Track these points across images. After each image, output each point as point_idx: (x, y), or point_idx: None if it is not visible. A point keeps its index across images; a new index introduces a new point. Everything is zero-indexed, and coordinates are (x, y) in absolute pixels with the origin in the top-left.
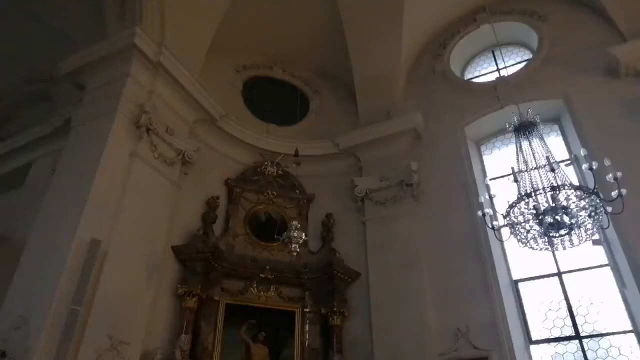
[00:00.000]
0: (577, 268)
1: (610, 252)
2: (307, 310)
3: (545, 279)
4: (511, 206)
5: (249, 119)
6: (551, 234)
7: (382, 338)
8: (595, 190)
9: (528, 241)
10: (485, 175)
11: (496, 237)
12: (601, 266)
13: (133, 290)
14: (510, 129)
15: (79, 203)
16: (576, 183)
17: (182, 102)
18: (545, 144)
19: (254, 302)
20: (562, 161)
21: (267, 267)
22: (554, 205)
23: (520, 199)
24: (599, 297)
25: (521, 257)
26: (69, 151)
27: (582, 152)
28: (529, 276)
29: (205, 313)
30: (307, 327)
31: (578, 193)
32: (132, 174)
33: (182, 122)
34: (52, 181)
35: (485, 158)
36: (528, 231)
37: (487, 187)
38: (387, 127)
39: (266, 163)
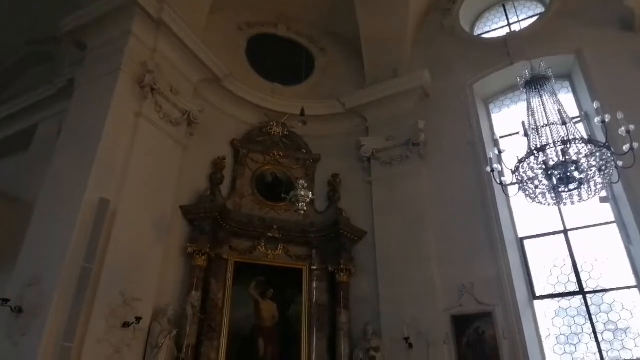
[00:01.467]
0: (583, 225)
1: (617, 209)
2: (314, 268)
3: (551, 236)
4: (520, 161)
5: (254, 78)
6: (560, 189)
7: (388, 294)
8: (606, 144)
9: (536, 196)
10: (493, 134)
11: (504, 192)
12: (607, 223)
13: (143, 248)
14: (521, 82)
15: (87, 163)
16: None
17: (185, 61)
18: (557, 97)
19: (262, 260)
20: (572, 119)
21: (275, 226)
22: (564, 159)
23: (530, 153)
24: (604, 253)
25: (527, 215)
26: (74, 112)
27: (595, 104)
28: (534, 234)
29: (214, 271)
30: (314, 284)
31: (589, 147)
32: (138, 134)
33: (186, 82)
34: (59, 143)
35: (494, 116)
36: (537, 186)
37: (497, 142)
38: (394, 86)
39: (272, 123)
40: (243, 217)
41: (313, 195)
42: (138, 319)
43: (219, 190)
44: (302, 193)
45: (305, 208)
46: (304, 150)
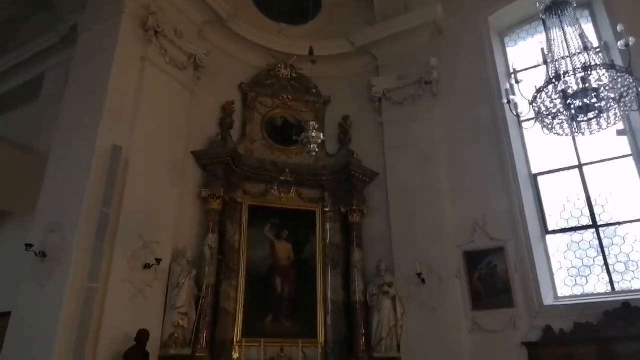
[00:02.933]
0: (599, 159)
1: (634, 142)
2: (327, 209)
3: (565, 171)
4: (539, 91)
5: (259, 19)
6: (579, 119)
7: (400, 233)
8: (629, 68)
9: (554, 127)
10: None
11: (520, 124)
12: (624, 157)
13: (158, 193)
14: (540, 8)
15: (96, 111)
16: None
17: (188, 2)
18: (579, 23)
19: (275, 203)
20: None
21: (287, 170)
22: (584, 86)
23: (549, 82)
24: (619, 187)
25: (541, 151)
26: (79, 59)
27: (619, 27)
28: (548, 169)
29: (229, 214)
30: (327, 225)
31: (610, 73)
32: (145, 79)
33: (190, 24)
34: (67, 90)
35: (509, 50)
36: (555, 117)
37: (514, 71)
38: (405, 21)
39: (279, 65)
40: (255, 162)
41: (324, 136)
42: (158, 261)
43: (229, 135)
44: (314, 134)
45: (316, 150)
46: (314, 92)
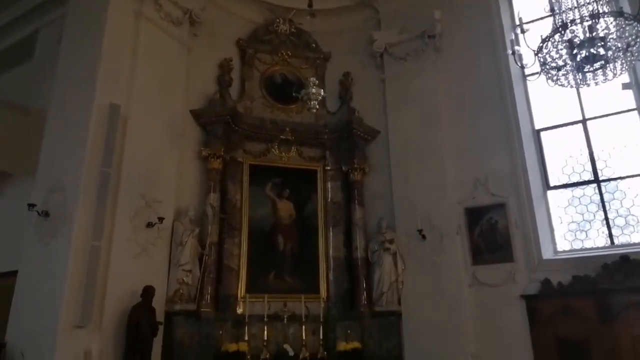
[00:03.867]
0: (603, 114)
1: (639, 96)
2: (328, 168)
3: (569, 127)
4: (544, 40)
5: None
6: (585, 69)
7: (401, 190)
8: (637, 16)
9: (559, 78)
10: (513, 21)
11: (524, 77)
12: (628, 111)
13: (158, 152)
14: None
15: (92, 68)
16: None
17: None
18: None
19: (276, 162)
20: None
21: (287, 128)
22: (590, 36)
23: (555, 31)
24: (622, 142)
25: (544, 107)
26: (73, 15)
27: None
28: (551, 125)
29: (230, 174)
30: (329, 184)
31: (618, 21)
32: (141, 36)
33: None
34: (61, 48)
35: (515, 1)
36: (560, 68)
37: (520, 21)
38: None
39: (278, 20)
40: (254, 120)
41: (324, 93)
42: (161, 219)
43: (228, 93)
44: (314, 90)
45: (317, 106)
46: (314, 47)
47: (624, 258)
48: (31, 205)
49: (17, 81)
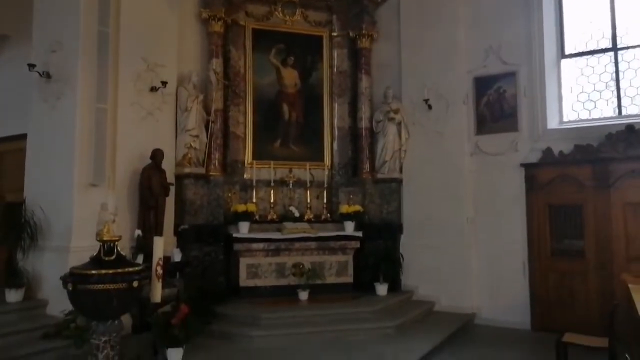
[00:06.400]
0: None
1: None
2: (335, 34)
3: None
4: None
5: None
6: None
7: (410, 59)
8: None
9: None
10: None
11: None
12: None
13: (157, 13)
14: None
15: None
16: None
17: None
18: None
19: (280, 26)
20: None
21: None
22: None
23: None
24: None
25: None
26: None
27: None
28: None
29: (232, 38)
30: (335, 52)
31: None
32: None
33: None
34: None
35: None
36: None
37: None
38: None
39: None
40: None
41: None
42: (164, 83)
43: None
44: None
45: None
46: None
47: (629, 128)
48: (31, 66)
49: None
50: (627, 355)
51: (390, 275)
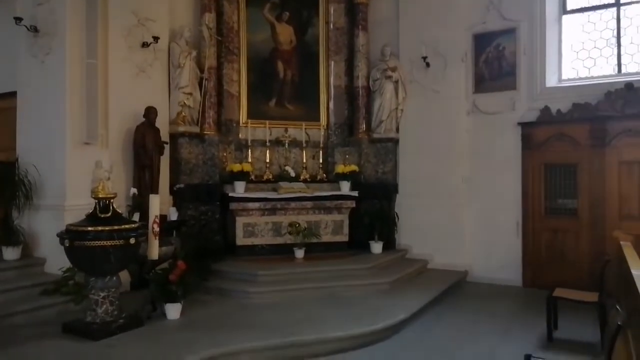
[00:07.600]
0: None
1: None
2: None
3: None
4: None
5: None
6: None
7: (408, 15)
8: None
9: None
10: None
11: None
12: None
13: None
14: None
15: None
16: None
17: None
18: None
19: None
20: None
21: None
22: None
23: None
24: None
25: None
26: None
27: None
28: None
29: None
30: (331, 7)
31: None
32: None
33: None
34: None
35: None
36: None
37: None
38: None
39: None
40: None
41: None
42: (155, 39)
43: None
44: None
45: None
46: None
47: (629, 85)
48: (18, 19)
49: None
50: (617, 307)
51: (385, 234)
